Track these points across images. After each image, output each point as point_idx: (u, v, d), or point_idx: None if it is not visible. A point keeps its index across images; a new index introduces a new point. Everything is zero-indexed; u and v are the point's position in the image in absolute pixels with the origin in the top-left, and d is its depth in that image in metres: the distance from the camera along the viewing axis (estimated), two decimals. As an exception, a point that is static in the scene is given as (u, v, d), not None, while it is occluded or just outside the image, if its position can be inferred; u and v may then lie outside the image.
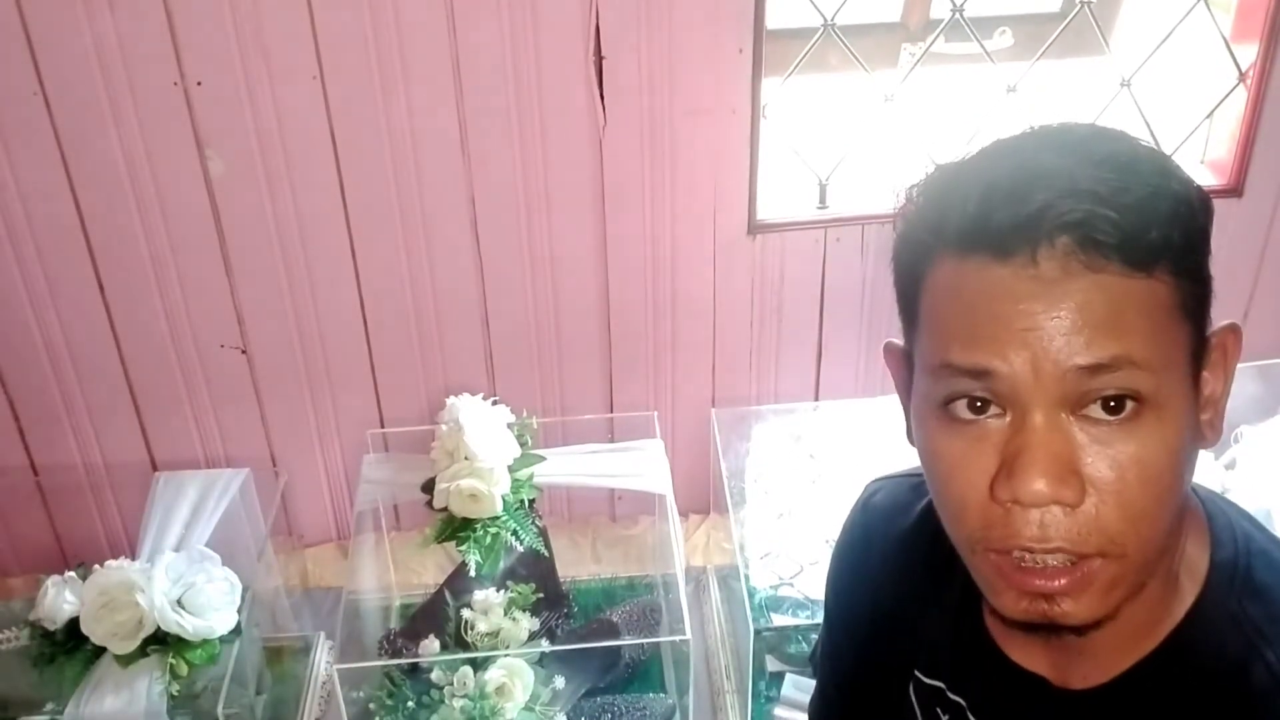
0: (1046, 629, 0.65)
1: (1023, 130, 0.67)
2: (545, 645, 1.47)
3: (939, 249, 0.65)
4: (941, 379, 0.64)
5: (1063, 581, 0.62)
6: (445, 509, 1.50)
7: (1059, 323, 0.60)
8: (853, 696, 0.93)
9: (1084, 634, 0.65)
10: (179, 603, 1.40)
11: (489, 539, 1.49)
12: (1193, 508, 0.71)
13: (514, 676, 1.40)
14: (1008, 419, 0.62)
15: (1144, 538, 0.62)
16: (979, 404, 0.63)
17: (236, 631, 1.45)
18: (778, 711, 1.60)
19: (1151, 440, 0.61)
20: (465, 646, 1.45)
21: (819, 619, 1.63)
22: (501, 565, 1.55)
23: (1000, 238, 0.61)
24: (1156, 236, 0.60)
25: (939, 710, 0.82)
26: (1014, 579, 0.63)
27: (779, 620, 1.64)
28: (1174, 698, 0.69)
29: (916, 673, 0.84)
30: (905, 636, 0.84)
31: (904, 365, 0.72)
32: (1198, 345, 0.65)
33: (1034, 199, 0.60)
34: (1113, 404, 0.60)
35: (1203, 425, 0.66)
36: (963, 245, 0.63)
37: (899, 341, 0.73)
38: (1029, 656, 0.75)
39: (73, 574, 1.48)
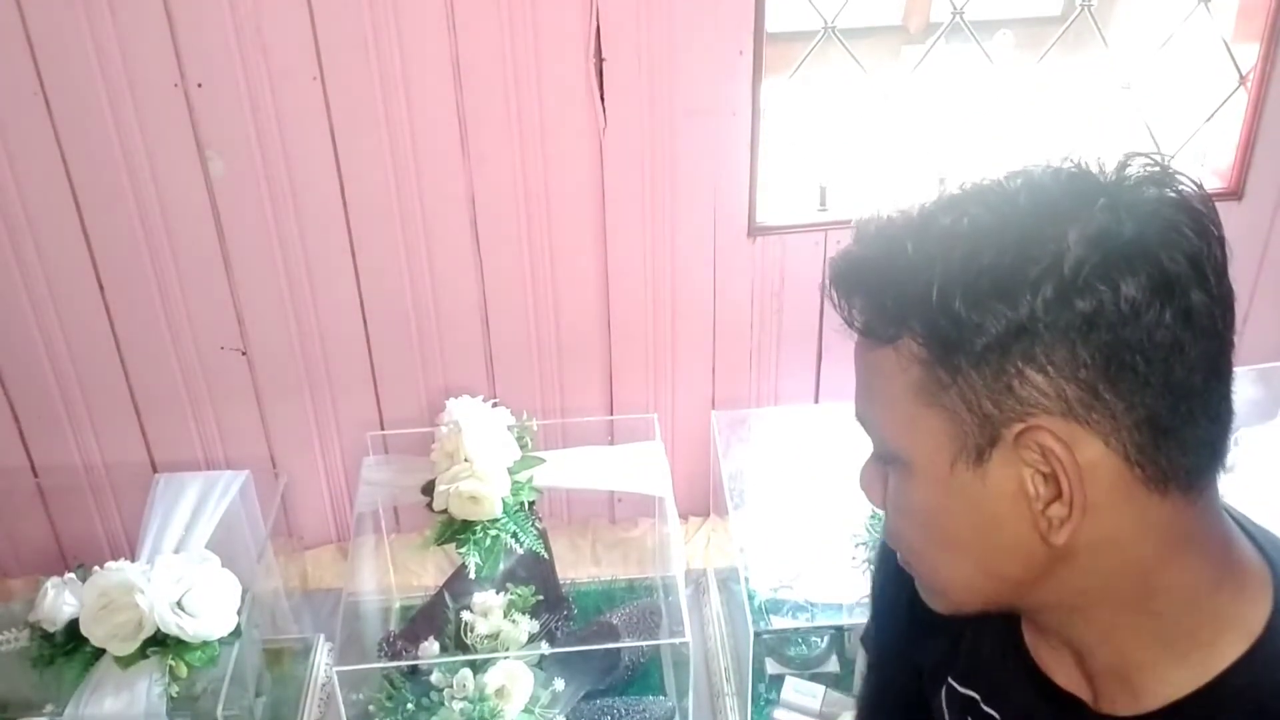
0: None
1: (968, 186, 0.68)
2: (545, 647, 1.47)
3: None
4: None
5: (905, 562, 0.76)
6: (445, 511, 1.50)
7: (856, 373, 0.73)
8: (895, 688, 0.95)
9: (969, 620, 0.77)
10: (179, 604, 1.40)
11: (489, 541, 1.49)
12: (1247, 558, 0.70)
13: (513, 679, 1.40)
14: None
15: (916, 563, 0.74)
16: None
17: (236, 633, 1.45)
18: (777, 714, 1.60)
19: (901, 489, 0.71)
20: (465, 649, 1.45)
21: (819, 621, 1.63)
22: (501, 567, 1.55)
23: (826, 291, 0.72)
24: (881, 316, 0.66)
25: (970, 719, 0.82)
26: None
27: (779, 623, 1.64)
28: None
29: (951, 680, 0.85)
30: (945, 642, 0.85)
31: None
32: (977, 437, 0.65)
33: (837, 261, 0.70)
34: None
35: (1037, 517, 0.65)
36: None
37: None
38: (1066, 676, 0.75)
39: (72, 575, 1.48)
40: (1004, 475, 0.65)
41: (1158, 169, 0.64)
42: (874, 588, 0.97)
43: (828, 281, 0.70)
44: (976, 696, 0.82)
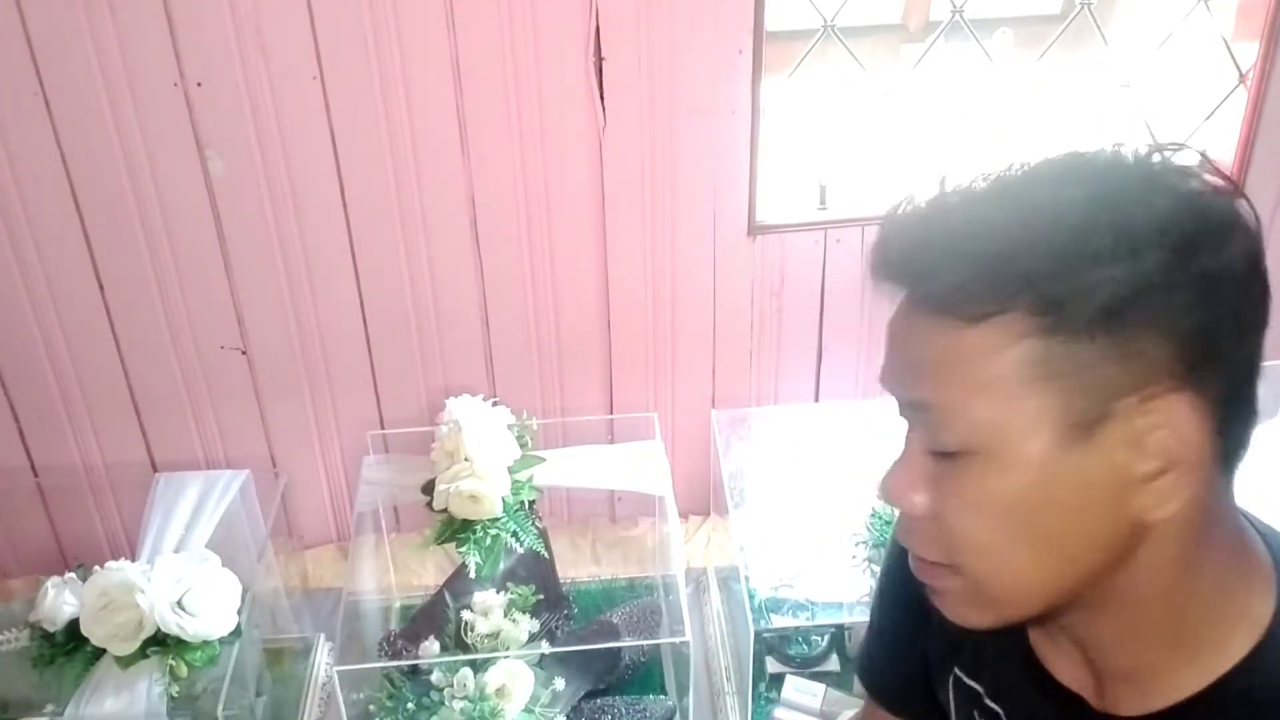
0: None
1: (1038, 162, 0.67)
2: (545, 647, 1.47)
3: None
4: None
5: (926, 579, 0.71)
6: (445, 510, 1.50)
7: (893, 358, 0.69)
8: (897, 669, 0.94)
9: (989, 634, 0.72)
10: (179, 604, 1.40)
11: (489, 540, 1.49)
12: (1253, 552, 0.70)
13: (514, 678, 1.40)
14: None
15: (983, 568, 0.67)
16: None
17: (236, 633, 1.45)
18: (778, 713, 1.60)
19: (974, 485, 0.65)
20: (465, 648, 1.45)
21: (819, 621, 1.63)
22: (501, 567, 1.55)
23: (880, 271, 0.68)
24: (982, 294, 0.62)
25: (975, 714, 0.82)
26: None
27: (779, 622, 1.64)
28: None
29: (956, 670, 0.84)
30: (950, 633, 0.84)
31: None
32: (1089, 412, 0.62)
33: (901, 239, 0.66)
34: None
35: (1137, 492, 0.64)
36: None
37: None
38: (1071, 674, 0.75)
39: (73, 575, 1.48)
40: (1109, 450, 0.63)
41: (1204, 162, 0.65)
42: (883, 577, 0.95)
43: (891, 261, 0.66)
44: (981, 691, 0.82)
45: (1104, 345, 0.61)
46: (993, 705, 0.80)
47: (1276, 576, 0.70)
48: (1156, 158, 0.64)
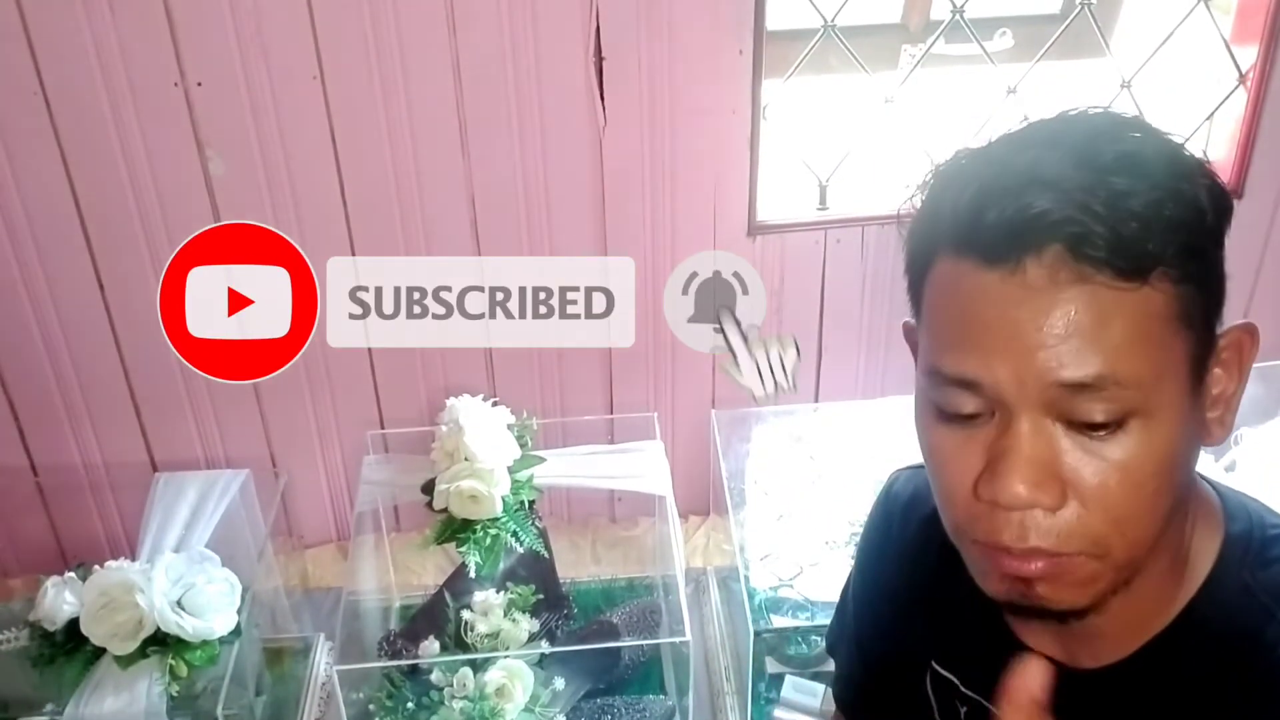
0: (1034, 613, 0.67)
1: (1034, 122, 0.66)
2: (545, 646, 1.47)
3: (937, 246, 0.65)
4: (933, 383, 0.65)
5: (1039, 565, 0.63)
6: (445, 510, 1.50)
7: (1043, 335, 0.60)
8: (877, 683, 0.93)
9: (1068, 621, 0.66)
10: (179, 603, 1.40)
11: (489, 540, 1.49)
12: (1203, 494, 0.72)
13: (514, 678, 1.40)
14: (995, 420, 0.63)
15: (1129, 539, 0.64)
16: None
17: (236, 632, 1.45)
18: (777, 713, 1.60)
19: (1138, 448, 0.61)
20: (465, 648, 1.45)
21: (819, 621, 1.63)
22: (501, 566, 1.55)
23: (990, 242, 0.61)
24: (1153, 247, 0.59)
25: (957, 703, 0.82)
26: (995, 560, 0.65)
27: (779, 622, 1.64)
28: (1188, 669, 0.69)
29: (934, 664, 0.84)
30: (923, 625, 0.83)
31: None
32: (1201, 348, 0.64)
33: (1025, 204, 0.59)
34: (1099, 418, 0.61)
35: (1210, 423, 0.66)
36: (955, 246, 0.63)
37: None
38: (1039, 639, 0.75)
39: (72, 575, 1.48)
40: (1208, 384, 0.65)
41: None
42: (855, 582, 0.94)
43: (1051, 224, 0.59)
44: (955, 680, 0.81)
45: (1215, 280, 0.64)
46: (968, 692, 0.80)
47: (1223, 511, 0.71)
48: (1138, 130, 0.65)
